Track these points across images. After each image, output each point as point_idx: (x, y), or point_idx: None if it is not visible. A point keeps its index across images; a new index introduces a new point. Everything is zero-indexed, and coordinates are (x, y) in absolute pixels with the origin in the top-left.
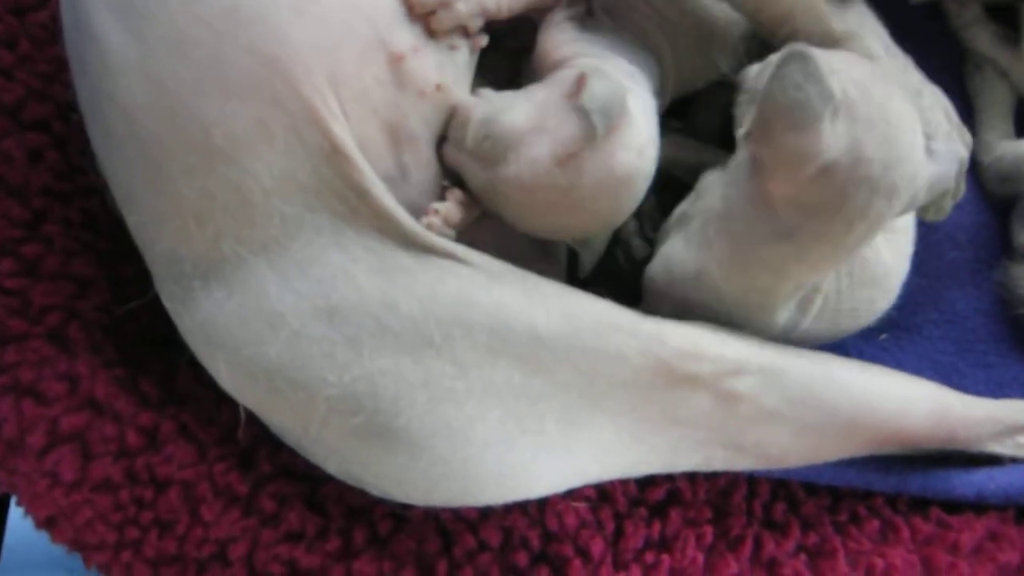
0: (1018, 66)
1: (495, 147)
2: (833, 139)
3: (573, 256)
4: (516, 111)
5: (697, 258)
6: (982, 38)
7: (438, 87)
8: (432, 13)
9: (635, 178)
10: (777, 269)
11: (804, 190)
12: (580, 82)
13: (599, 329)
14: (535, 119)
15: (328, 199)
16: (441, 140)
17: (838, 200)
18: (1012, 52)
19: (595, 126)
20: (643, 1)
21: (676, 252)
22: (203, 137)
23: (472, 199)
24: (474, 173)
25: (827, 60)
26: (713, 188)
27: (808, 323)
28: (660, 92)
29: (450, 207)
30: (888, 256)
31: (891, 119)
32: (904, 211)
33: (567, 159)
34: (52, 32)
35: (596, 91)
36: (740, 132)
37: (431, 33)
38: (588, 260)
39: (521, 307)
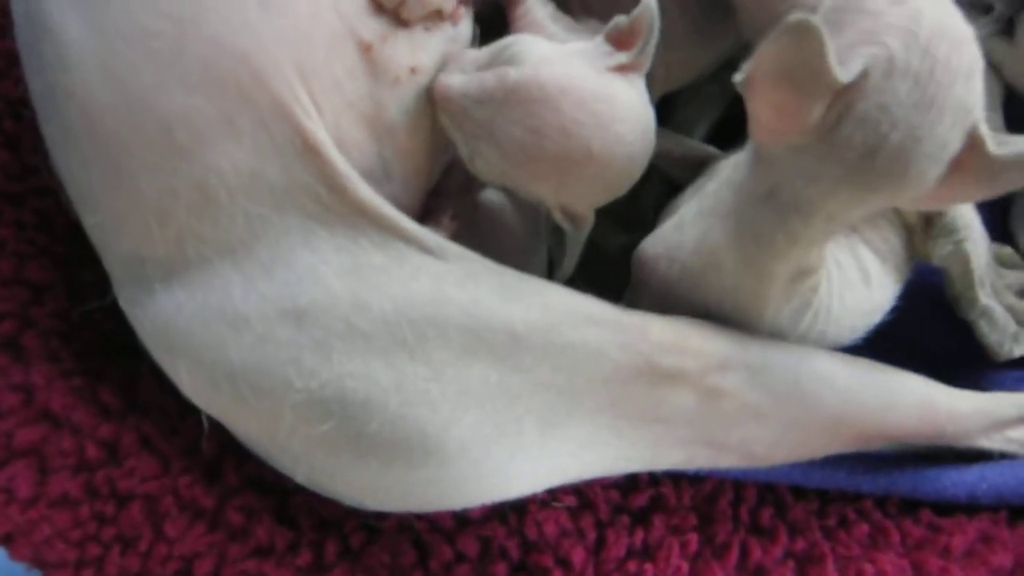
0: (1013, 59)
1: (523, 51)
2: (827, 124)
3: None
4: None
5: (702, 232)
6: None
7: (413, 70)
8: (402, 3)
9: (651, 126)
10: (766, 239)
11: (787, 155)
12: (619, 26)
13: (579, 324)
14: (562, 49)
15: (298, 198)
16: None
17: (810, 176)
18: (1007, 45)
19: (649, 40)
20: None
21: (679, 226)
22: (165, 134)
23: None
24: (484, 86)
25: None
26: (729, 165)
27: (795, 337)
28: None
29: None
30: (879, 296)
31: (929, 139)
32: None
33: (605, 71)
34: (1, 26)
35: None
36: (735, 76)
37: (403, 23)
38: (572, 255)
39: (498, 304)
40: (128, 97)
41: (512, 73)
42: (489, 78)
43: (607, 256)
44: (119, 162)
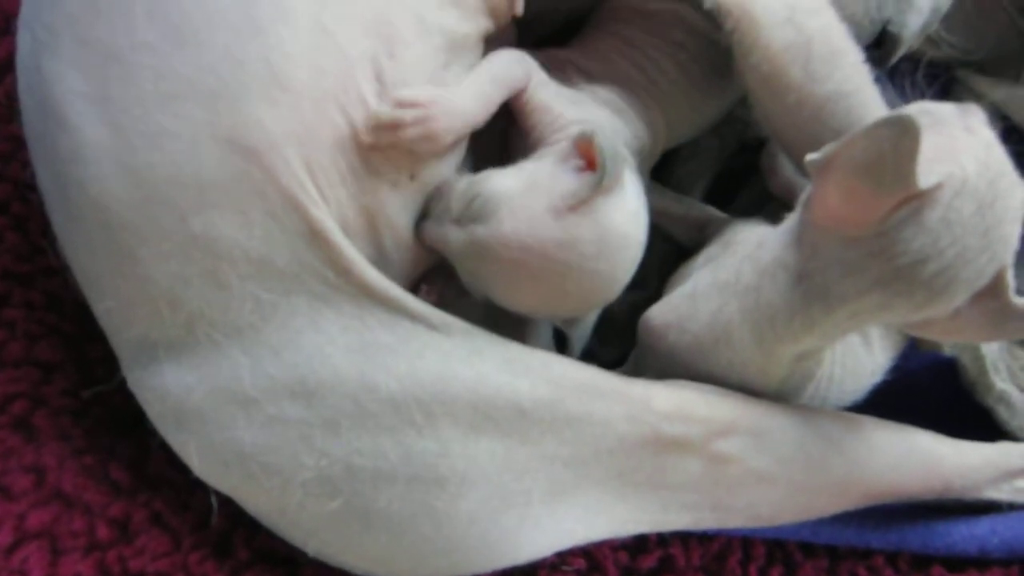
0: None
1: (486, 205)
2: (891, 223)
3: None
4: (506, 175)
5: (717, 306)
6: (976, 78)
7: (412, 177)
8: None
9: (631, 241)
10: (782, 322)
11: (835, 244)
12: (581, 141)
13: (584, 396)
14: (527, 180)
15: (307, 281)
16: (420, 219)
17: (851, 269)
18: (1009, 87)
19: (605, 174)
20: (637, 71)
21: (691, 296)
22: (179, 226)
23: (451, 288)
24: (459, 243)
25: (942, 150)
26: (750, 241)
27: (798, 403)
28: (648, 158)
29: None
30: (881, 358)
31: (972, 265)
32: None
33: (566, 212)
34: (8, 110)
35: (605, 142)
36: (809, 156)
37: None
38: (577, 343)
39: (504, 379)
40: (144, 192)
41: (480, 232)
42: (461, 237)
43: (612, 313)
44: (130, 251)
